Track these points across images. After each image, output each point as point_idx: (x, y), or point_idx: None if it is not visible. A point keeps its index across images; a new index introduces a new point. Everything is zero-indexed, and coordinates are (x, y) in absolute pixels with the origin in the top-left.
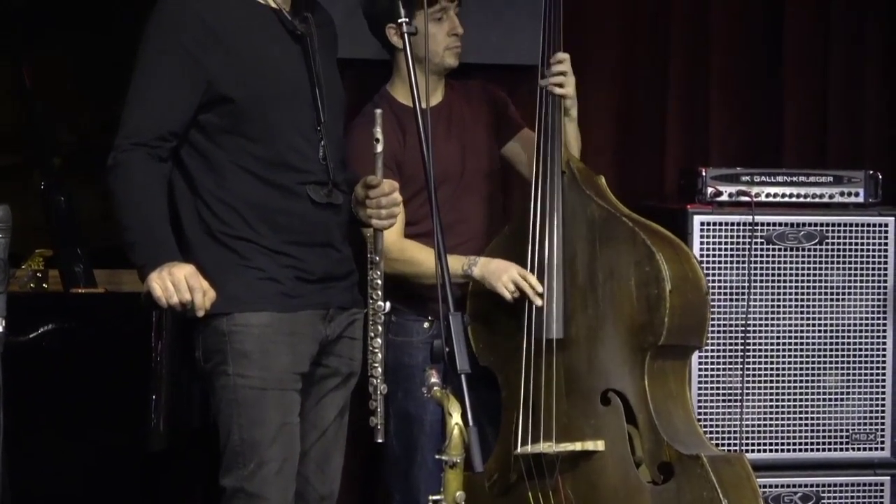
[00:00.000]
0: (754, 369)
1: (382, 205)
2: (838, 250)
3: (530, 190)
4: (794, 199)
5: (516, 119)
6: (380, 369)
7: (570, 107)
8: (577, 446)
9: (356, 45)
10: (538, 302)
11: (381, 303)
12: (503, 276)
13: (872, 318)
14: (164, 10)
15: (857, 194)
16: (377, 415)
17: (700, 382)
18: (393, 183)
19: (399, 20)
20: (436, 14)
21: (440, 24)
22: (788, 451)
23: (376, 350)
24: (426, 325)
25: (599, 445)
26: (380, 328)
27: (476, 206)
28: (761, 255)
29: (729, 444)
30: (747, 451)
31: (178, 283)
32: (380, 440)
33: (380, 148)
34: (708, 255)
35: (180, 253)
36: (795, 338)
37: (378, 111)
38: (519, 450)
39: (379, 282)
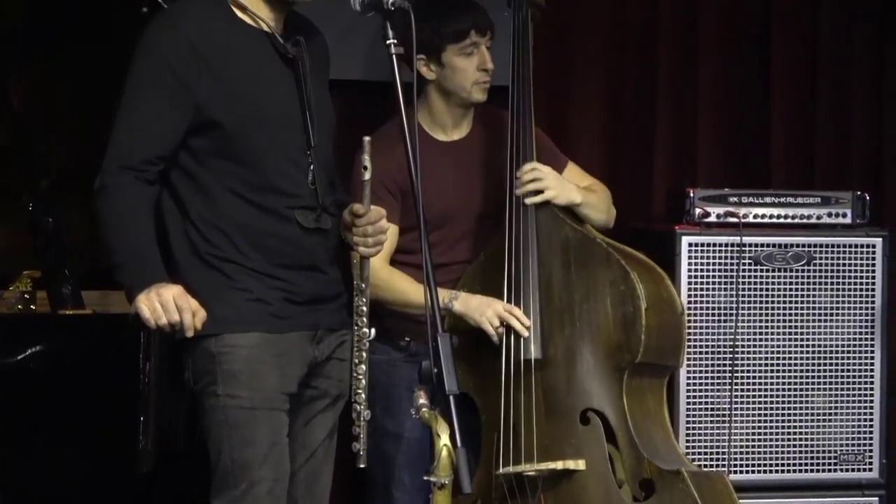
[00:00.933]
0: (742, 390)
1: (369, 233)
2: (826, 271)
3: (504, 215)
4: (781, 220)
5: (561, 155)
6: (363, 395)
7: (569, 200)
8: (559, 465)
9: (349, 67)
10: (525, 333)
11: (366, 329)
12: (487, 311)
13: (860, 339)
14: (153, 34)
15: (844, 215)
16: (360, 440)
17: (688, 403)
18: (380, 210)
19: (387, 42)
20: (466, 49)
21: (470, 59)
22: (777, 471)
23: (360, 376)
24: (403, 343)
25: (580, 465)
26: (364, 354)
27: (467, 254)
28: (749, 276)
29: (717, 465)
30: (735, 471)
31: (166, 304)
32: (361, 465)
33: (367, 176)
34: (696, 276)
35: (168, 275)
36: (784, 358)
37: (367, 138)
38: (500, 470)
39: (364, 308)
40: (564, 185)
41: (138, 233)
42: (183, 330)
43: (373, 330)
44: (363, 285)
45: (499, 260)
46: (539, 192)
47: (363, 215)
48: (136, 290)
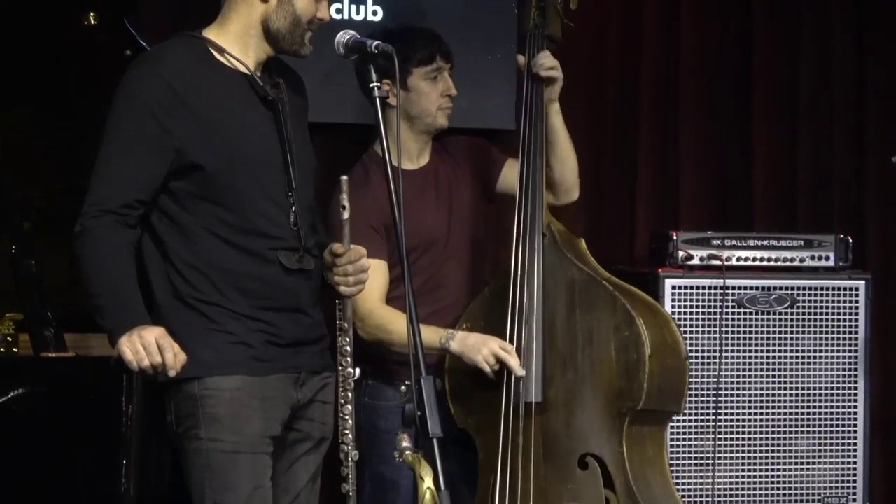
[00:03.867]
0: (726, 434)
1: (349, 272)
2: (809, 314)
3: (510, 252)
4: (765, 263)
5: (499, 155)
6: (350, 436)
7: (556, 97)
8: None
9: (331, 110)
10: (520, 373)
11: (350, 369)
12: (483, 349)
13: (844, 382)
14: (132, 77)
15: (827, 258)
16: (349, 481)
17: (672, 448)
18: (360, 250)
19: (371, 84)
20: (430, 74)
21: (434, 84)
22: None
23: (347, 416)
24: (402, 388)
25: None
26: (350, 395)
27: (457, 271)
28: (733, 319)
29: None
30: None
31: (148, 346)
32: None
33: (346, 215)
34: (679, 319)
35: (150, 317)
36: (767, 402)
37: (344, 178)
38: None
39: (348, 348)
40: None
41: (119, 275)
42: (165, 372)
43: (357, 370)
44: (346, 325)
45: (503, 298)
46: (551, 73)
47: (343, 254)
48: (118, 333)
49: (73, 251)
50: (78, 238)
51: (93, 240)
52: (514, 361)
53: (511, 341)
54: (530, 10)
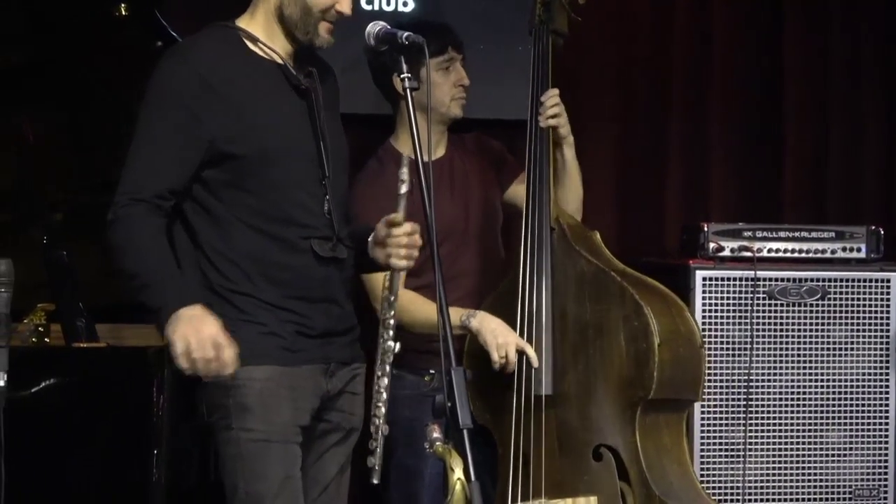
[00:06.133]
0: (757, 424)
1: (403, 244)
2: (840, 306)
3: (519, 248)
4: (795, 255)
5: (514, 164)
6: (383, 409)
7: (566, 134)
8: (570, 502)
9: (355, 101)
10: (535, 363)
11: (391, 342)
12: (500, 339)
13: (875, 373)
14: (165, 67)
15: (858, 250)
16: (375, 455)
17: (702, 438)
18: (415, 224)
19: (402, 75)
20: (443, 64)
21: (447, 75)
22: None
23: (382, 390)
24: (427, 378)
25: (592, 502)
26: (388, 367)
27: (475, 261)
28: (763, 311)
29: (731, 500)
30: None
31: (202, 342)
32: (375, 481)
33: (404, 189)
34: (710, 311)
35: None
36: (798, 393)
37: (406, 154)
38: None
39: (391, 321)
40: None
41: (158, 253)
42: (218, 370)
43: (398, 344)
44: (392, 298)
45: (513, 293)
46: (551, 122)
47: (399, 224)
48: (170, 309)
49: (107, 240)
50: (111, 225)
51: (127, 225)
52: (531, 352)
53: (522, 336)
54: (535, 6)
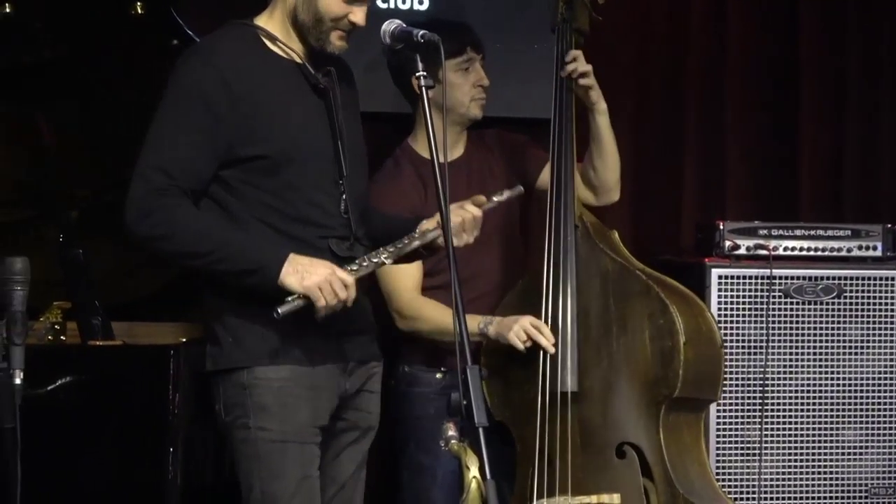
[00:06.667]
0: (772, 424)
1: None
2: (856, 304)
3: (543, 244)
4: (811, 253)
5: (540, 152)
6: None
7: (598, 100)
8: (593, 499)
9: (375, 100)
10: (551, 350)
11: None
12: (514, 325)
13: (891, 371)
14: (185, 67)
15: (874, 248)
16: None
17: (718, 437)
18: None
19: (417, 74)
20: (462, 65)
21: (466, 75)
22: None
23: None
24: (438, 375)
25: (615, 499)
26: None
27: (492, 261)
28: (779, 309)
29: (747, 500)
30: None
31: (324, 287)
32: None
33: (506, 195)
34: (726, 309)
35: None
36: (814, 392)
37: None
38: (535, 502)
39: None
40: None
41: (220, 227)
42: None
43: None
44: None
45: (537, 289)
46: (584, 76)
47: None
48: (276, 266)
49: (142, 235)
50: (146, 218)
51: (169, 211)
52: (543, 339)
53: None
54: (558, 4)
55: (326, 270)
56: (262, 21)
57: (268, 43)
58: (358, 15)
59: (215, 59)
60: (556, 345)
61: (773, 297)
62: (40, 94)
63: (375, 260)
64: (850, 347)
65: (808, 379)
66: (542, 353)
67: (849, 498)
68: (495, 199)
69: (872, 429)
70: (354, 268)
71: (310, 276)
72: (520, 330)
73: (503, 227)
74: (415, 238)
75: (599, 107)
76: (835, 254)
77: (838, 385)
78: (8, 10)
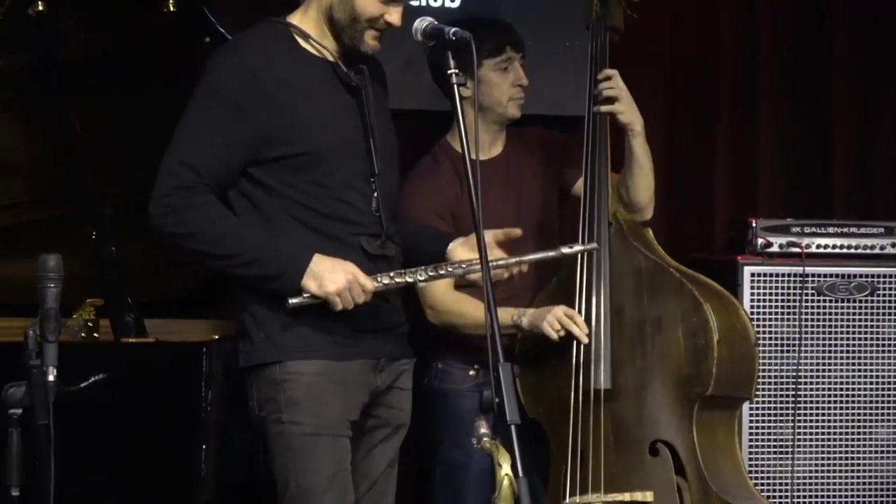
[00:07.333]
0: (805, 421)
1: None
2: (890, 302)
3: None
4: (844, 251)
5: (580, 156)
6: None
7: (630, 123)
8: (626, 497)
9: (412, 97)
10: (584, 340)
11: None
12: (548, 315)
13: None
14: (218, 65)
15: None
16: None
17: (751, 434)
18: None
19: (449, 71)
20: (501, 64)
21: (505, 75)
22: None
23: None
24: (471, 372)
25: (648, 496)
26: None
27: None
28: (812, 307)
29: (780, 497)
30: (799, 503)
31: (344, 293)
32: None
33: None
34: (758, 307)
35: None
36: (847, 390)
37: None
38: (568, 500)
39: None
40: (634, 108)
41: (248, 229)
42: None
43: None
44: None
45: (570, 287)
46: (610, 102)
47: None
48: (298, 272)
49: (165, 231)
50: (170, 215)
51: (198, 211)
52: (577, 329)
53: None
54: (593, 2)
55: (347, 276)
56: (295, 19)
57: (300, 41)
58: (394, 15)
59: (247, 56)
60: (589, 335)
61: (806, 294)
62: (73, 91)
63: (409, 279)
64: (883, 345)
65: (841, 377)
66: (575, 351)
67: (882, 495)
68: (564, 251)
69: None
70: (386, 281)
71: (330, 283)
72: (553, 319)
73: (540, 227)
74: (455, 269)
75: (634, 128)
76: (868, 251)
77: (871, 383)
78: (41, 7)
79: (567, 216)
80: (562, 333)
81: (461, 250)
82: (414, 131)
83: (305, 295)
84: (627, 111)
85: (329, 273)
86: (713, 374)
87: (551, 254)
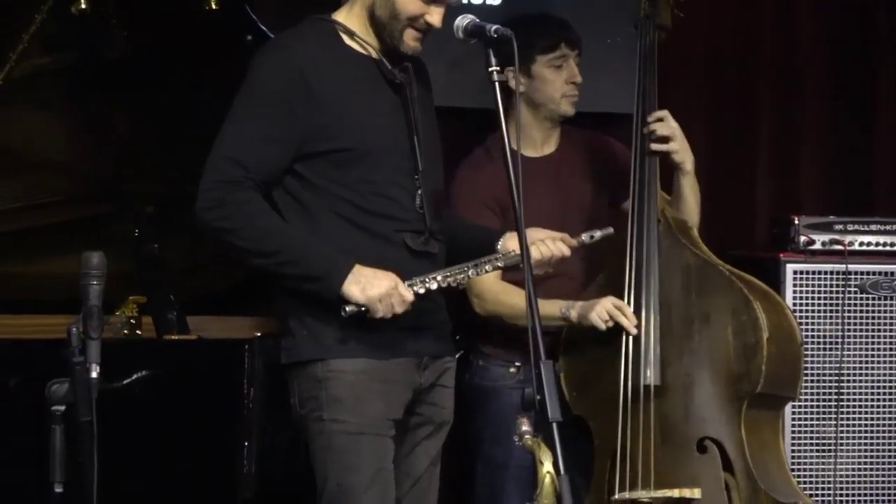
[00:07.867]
0: (848, 420)
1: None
2: None
3: (625, 237)
4: (887, 248)
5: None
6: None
7: (681, 161)
8: (675, 493)
9: (458, 95)
10: (633, 331)
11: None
12: (596, 306)
13: None
14: (265, 61)
15: None
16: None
17: (794, 434)
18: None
19: (490, 69)
20: (555, 61)
21: (558, 72)
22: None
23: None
24: (513, 370)
25: (696, 493)
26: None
27: (571, 262)
28: (855, 305)
29: (823, 497)
30: (841, 503)
31: (385, 300)
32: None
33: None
34: (801, 305)
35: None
36: (890, 388)
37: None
38: (616, 496)
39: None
40: (687, 147)
41: (291, 229)
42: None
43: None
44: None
45: (619, 283)
46: (664, 141)
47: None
48: (340, 276)
49: (211, 225)
50: (216, 209)
51: (242, 207)
52: (625, 320)
53: None
54: (641, 0)
55: (389, 284)
56: (340, 16)
57: (345, 38)
58: (434, 16)
59: (293, 53)
60: (637, 327)
61: (849, 292)
62: (116, 90)
63: (451, 282)
64: None
65: (884, 374)
66: (624, 347)
67: None
68: (584, 239)
69: None
70: (422, 291)
71: (372, 288)
72: (602, 310)
73: (587, 229)
74: (498, 260)
75: (685, 167)
76: None
77: None
78: (84, 6)
79: (615, 216)
80: (610, 324)
81: (512, 243)
82: (459, 129)
83: (352, 304)
84: (681, 150)
85: (373, 278)
86: (762, 371)
87: (575, 244)
